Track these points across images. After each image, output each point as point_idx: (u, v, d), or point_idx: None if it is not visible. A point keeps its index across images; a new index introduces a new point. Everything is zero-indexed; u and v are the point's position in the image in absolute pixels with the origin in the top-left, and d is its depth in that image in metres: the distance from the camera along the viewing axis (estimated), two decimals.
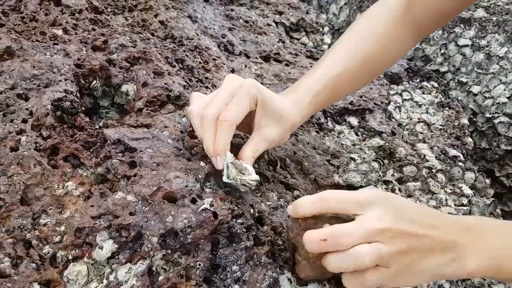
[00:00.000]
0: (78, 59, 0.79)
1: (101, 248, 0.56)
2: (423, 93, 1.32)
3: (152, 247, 0.54)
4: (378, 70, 0.87)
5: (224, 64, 1.04)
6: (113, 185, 0.62)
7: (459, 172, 1.01)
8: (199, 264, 0.54)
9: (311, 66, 1.33)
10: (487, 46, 1.37)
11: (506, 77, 1.28)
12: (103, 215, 0.58)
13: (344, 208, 0.54)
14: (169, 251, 0.55)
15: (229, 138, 0.61)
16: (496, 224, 0.58)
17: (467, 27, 1.44)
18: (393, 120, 1.19)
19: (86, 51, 0.82)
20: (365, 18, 0.81)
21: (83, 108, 0.73)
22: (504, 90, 1.27)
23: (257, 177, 0.61)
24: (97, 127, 0.70)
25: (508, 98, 1.24)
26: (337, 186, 0.87)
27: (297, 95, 0.72)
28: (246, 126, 0.68)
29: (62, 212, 0.60)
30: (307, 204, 0.55)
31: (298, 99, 0.72)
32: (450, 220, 0.56)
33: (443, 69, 1.46)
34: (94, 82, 0.77)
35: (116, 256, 0.56)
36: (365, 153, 1.01)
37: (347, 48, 0.76)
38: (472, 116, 1.34)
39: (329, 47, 1.62)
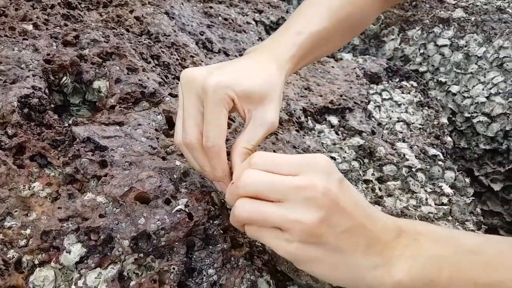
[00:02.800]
0: (48, 55, 0.75)
1: (69, 252, 0.53)
2: (403, 92, 1.32)
3: (123, 250, 0.52)
4: (355, 30, 0.82)
5: (202, 61, 1.01)
6: (82, 186, 0.59)
7: (439, 171, 1.00)
8: (173, 268, 0.52)
9: None
10: (465, 46, 1.37)
11: (485, 77, 1.28)
12: (71, 218, 0.55)
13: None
14: (141, 255, 0.52)
15: (224, 161, 0.53)
16: (433, 229, 0.48)
17: (446, 27, 1.44)
18: (373, 119, 1.18)
19: (57, 47, 0.79)
20: None
21: (52, 105, 0.69)
22: (483, 89, 1.27)
23: None
24: (67, 125, 0.67)
25: (486, 97, 1.25)
26: None
27: (276, 52, 0.63)
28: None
29: (28, 214, 0.56)
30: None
31: (278, 56, 0.62)
32: (386, 218, 0.47)
33: (422, 69, 1.46)
34: (64, 78, 0.74)
35: (85, 261, 0.53)
36: (345, 152, 1.00)
37: (323, 9, 0.71)
38: (451, 116, 1.34)
39: None
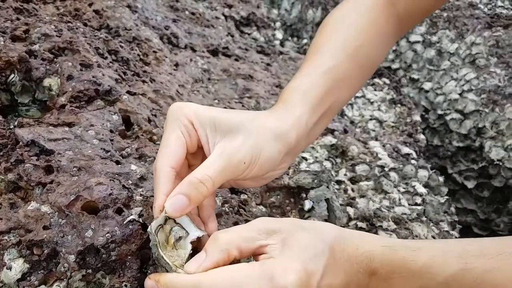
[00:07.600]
0: None
1: (10, 268, 0.48)
2: (375, 90, 1.29)
3: (69, 266, 0.47)
4: (369, 66, 0.75)
5: (166, 57, 0.96)
6: (26, 194, 0.53)
7: (412, 170, 0.98)
8: (126, 285, 0.47)
9: (262, 62, 1.27)
10: (438, 42, 1.36)
11: (457, 74, 1.27)
12: (13, 230, 0.50)
13: None
14: (89, 271, 0.47)
15: (163, 189, 0.47)
16: (409, 265, 0.48)
17: (418, 23, 1.43)
18: (346, 117, 1.15)
19: (4, 42, 0.72)
20: (346, 9, 0.72)
21: None
22: (455, 86, 1.26)
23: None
24: (12, 127, 0.61)
25: (459, 94, 1.24)
26: (287, 188, 0.82)
27: (282, 100, 0.59)
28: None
29: None
30: None
31: (285, 104, 0.58)
32: (359, 266, 0.47)
33: (395, 65, 1.44)
34: (12, 75, 0.68)
35: (28, 278, 0.48)
36: (317, 152, 0.97)
37: (331, 45, 0.67)
38: (424, 113, 1.33)
39: (281, 43, 1.57)
